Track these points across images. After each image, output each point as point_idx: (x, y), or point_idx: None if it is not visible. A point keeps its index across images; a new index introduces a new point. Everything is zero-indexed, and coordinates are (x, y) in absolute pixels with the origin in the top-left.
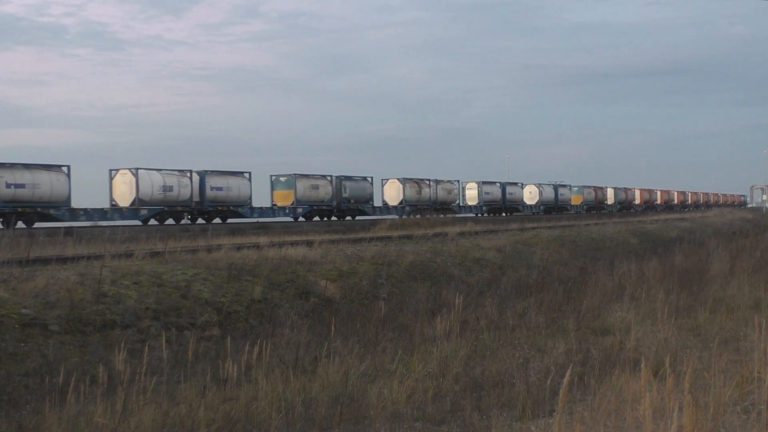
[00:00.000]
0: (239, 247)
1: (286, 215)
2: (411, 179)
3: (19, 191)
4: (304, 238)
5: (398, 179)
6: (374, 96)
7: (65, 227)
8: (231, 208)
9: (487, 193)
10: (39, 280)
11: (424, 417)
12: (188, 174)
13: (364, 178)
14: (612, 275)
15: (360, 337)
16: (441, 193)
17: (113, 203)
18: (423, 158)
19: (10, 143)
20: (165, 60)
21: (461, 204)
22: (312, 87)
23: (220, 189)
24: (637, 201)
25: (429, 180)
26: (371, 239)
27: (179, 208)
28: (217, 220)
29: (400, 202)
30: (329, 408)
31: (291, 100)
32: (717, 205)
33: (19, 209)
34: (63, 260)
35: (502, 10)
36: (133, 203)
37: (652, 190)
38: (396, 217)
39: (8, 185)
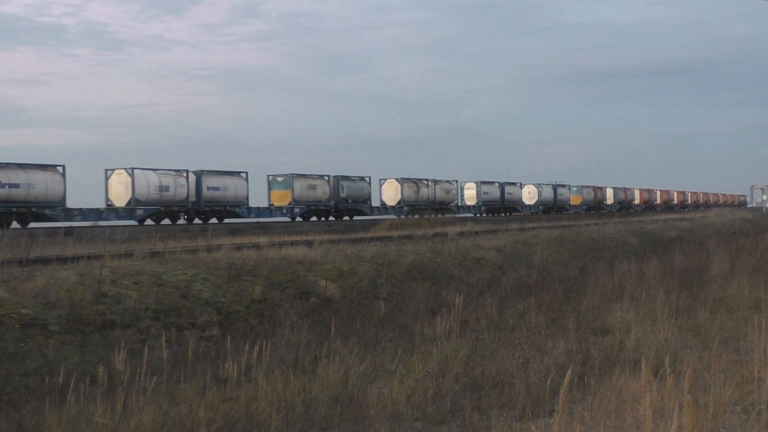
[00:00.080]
0: (239, 247)
1: (283, 215)
2: (409, 179)
3: (14, 191)
4: (304, 238)
5: (396, 179)
6: (374, 96)
7: (65, 227)
8: (228, 208)
9: (486, 193)
10: (39, 280)
11: (424, 417)
12: (184, 174)
13: (362, 178)
14: (612, 275)
15: (360, 337)
16: (439, 193)
17: (109, 203)
18: (423, 158)
19: (10, 143)
20: (165, 60)
21: (459, 204)
22: (312, 87)
23: (216, 189)
24: (637, 201)
25: (427, 180)
26: (371, 239)
27: (175, 208)
28: (214, 220)
29: (398, 202)
30: (329, 408)
31: (291, 100)
32: (717, 205)
33: (14, 209)
34: (63, 260)
35: (502, 10)
36: (129, 203)
37: (652, 190)
38: (394, 217)
39: (2, 185)
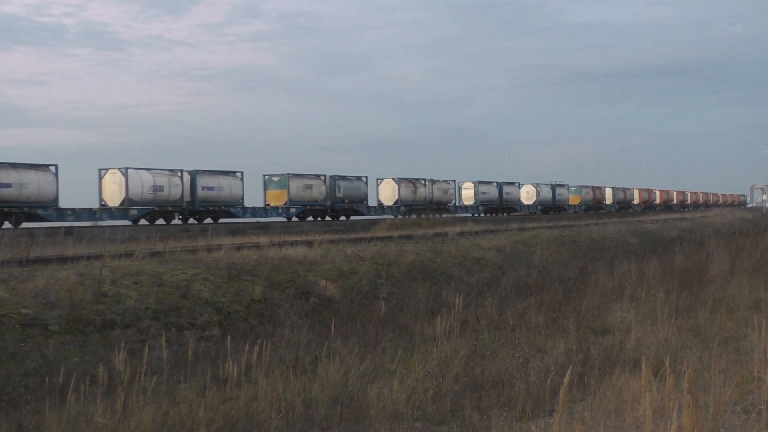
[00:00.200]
0: (239, 247)
1: (279, 215)
2: (406, 179)
3: (5, 191)
4: (303, 238)
5: (393, 179)
6: (374, 96)
7: (65, 227)
8: (223, 207)
9: (484, 193)
10: (39, 280)
11: (424, 417)
12: (179, 173)
13: (359, 178)
14: (612, 275)
15: (360, 337)
16: (437, 193)
17: (102, 203)
18: (422, 158)
19: (10, 143)
20: (165, 60)
21: (457, 204)
22: (312, 87)
23: (211, 189)
24: (636, 201)
25: (425, 180)
26: (371, 239)
27: (170, 208)
28: (209, 220)
29: (396, 202)
30: (329, 408)
31: (291, 100)
32: (717, 205)
33: (6, 209)
34: (63, 260)
35: (502, 10)
36: (122, 203)
37: (651, 190)
38: (391, 217)
39: None
